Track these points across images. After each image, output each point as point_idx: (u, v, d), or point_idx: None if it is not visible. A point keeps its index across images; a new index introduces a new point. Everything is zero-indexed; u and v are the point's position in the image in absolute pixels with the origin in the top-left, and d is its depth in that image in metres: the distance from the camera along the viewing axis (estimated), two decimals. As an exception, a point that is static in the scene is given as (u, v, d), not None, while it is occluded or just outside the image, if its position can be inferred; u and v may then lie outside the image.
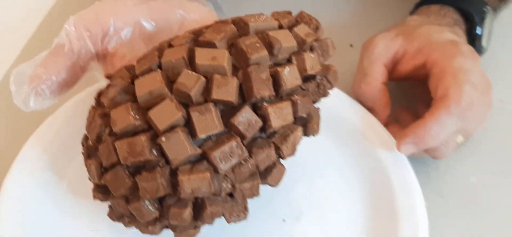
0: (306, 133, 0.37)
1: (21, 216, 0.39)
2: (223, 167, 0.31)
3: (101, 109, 0.34)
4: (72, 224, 0.41)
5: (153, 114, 0.31)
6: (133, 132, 0.31)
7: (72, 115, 0.44)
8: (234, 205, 0.34)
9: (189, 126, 0.31)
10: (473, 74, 0.43)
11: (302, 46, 0.36)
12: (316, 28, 0.38)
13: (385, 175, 0.43)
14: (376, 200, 0.43)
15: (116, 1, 0.41)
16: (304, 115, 0.35)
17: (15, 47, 0.58)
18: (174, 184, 0.32)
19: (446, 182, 0.47)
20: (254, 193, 0.34)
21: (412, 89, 0.50)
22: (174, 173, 0.31)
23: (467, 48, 0.45)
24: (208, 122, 0.31)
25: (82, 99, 0.45)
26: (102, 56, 0.41)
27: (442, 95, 0.42)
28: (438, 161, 0.47)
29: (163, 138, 0.30)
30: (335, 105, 0.45)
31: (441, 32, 0.47)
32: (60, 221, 0.41)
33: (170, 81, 0.32)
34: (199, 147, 0.32)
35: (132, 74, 0.35)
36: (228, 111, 0.32)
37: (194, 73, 0.32)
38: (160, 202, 0.33)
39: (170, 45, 0.35)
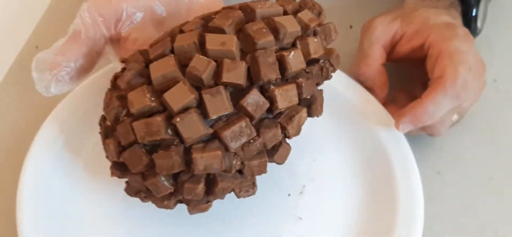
0: (310, 114, 0.39)
1: (40, 195, 0.41)
2: (233, 145, 0.34)
3: (117, 91, 0.36)
4: (89, 200, 0.43)
5: (168, 96, 0.33)
6: (149, 113, 0.34)
7: (86, 96, 0.46)
8: (243, 181, 0.37)
9: (201, 107, 0.33)
10: (468, 56, 0.45)
11: (306, 31, 0.38)
12: (319, 13, 0.40)
13: (383, 151, 0.45)
14: (374, 174, 0.45)
15: None
16: (308, 97, 0.37)
17: (27, 29, 0.59)
18: (188, 161, 0.34)
19: (442, 158, 0.49)
20: (262, 170, 0.37)
21: (408, 70, 0.52)
22: (187, 151, 0.34)
23: (463, 31, 0.47)
24: (219, 104, 0.33)
25: (95, 80, 0.47)
26: (115, 40, 0.42)
27: (438, 76, 0.44)
28: (433, 138, 0.49)
29: (178, 119, 0.32)
30: (336, 85, 0.47)
31: (438, 15, 0.49)
32: (77, 198, 0.43)
33: (182, 65, 0.34)
34: (211, 127, 0.34)
35: (145, 58, 0.37)
36: (237, 93, 0.34)
37: (205, 57, 0.34)
38: (175, 178, 0.35)
39: (181, 31, 0.37)
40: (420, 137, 0.49)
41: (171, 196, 0.36)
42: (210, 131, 0.34)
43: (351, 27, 0.60)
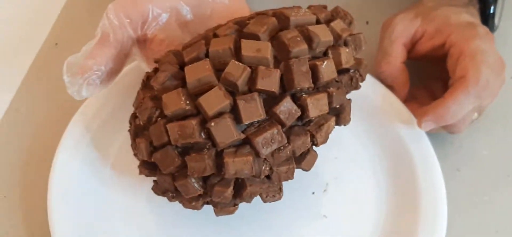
0: (338, 123, 0.39)
1: (70, 195, 0.42)
2: (264, 151, 0.34)
3: (150, 91, 0.37)
4: (115, 198, 0.44)
5: (203, 100, 0.33)
6: (183, 116, 0.34)
7: (110, 94, 0.47)
8: (271, 186, 0.37)
9: (234, 112, 0.34)
10: (489, 55, 0.45)
11: (337, 40, 0.38)
12: (350, 23, 0.41)
13: (404, 148, 0.46)
14: (396, 171, 0.46)
15: None
16: (338, 106, 0.38)
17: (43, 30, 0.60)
18: (218, 164, 0.34)
19: (461, 155, 0.50)
20: (289, 176, 0.37)
21: (427, 68, 0.53)
22: (219, 155, 0.34)
23: (483, 30, 0.47)
24: (252, 110, 0.34)
25: (118, 79, 0.47)
26: (141, 41, 0.43)
27: (460, 76, 0.44)
28: (453, 135, 0.50)
29: (212, 123, 0.33)
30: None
31: (458, 14, 0.49)
32: (104, 196, 0.44)
33: (217, 69, 0.35)
34: (243, 131, 0.34)
35: (179, 59, 0.37)
36: (269, 99, 0.35)
37: (240, 63, 0.34)
38: (204, 180, 0.36)
39: (215, 35, 0.37)
40: (439, 135, 0.49)
41: (199, 198, 0.37)
42: (242, 136, 0.34)
43: (367, 23, 0.60)
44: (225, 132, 0.33)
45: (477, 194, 0.48)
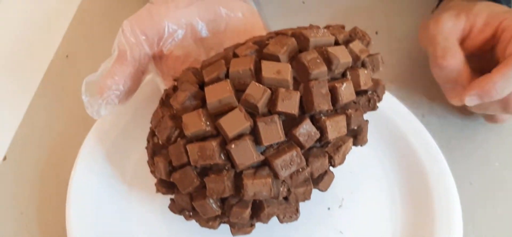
0: (355, 143, 0.39)
1: (86, 209, 0.42)
2: (283, 174, 0.34)
3: (168, 110, 0.37)
4: (132, 214, 0.44)
5: (223, 121, 0.33)
6: (203, 136, 0.34)
7: (125, 108, 0.46)
8: (288, 207, 0.37)
9: (254, 134, 0.34)
10: None
11: (356, 61, 0.38)
12: (368, 43, 0.41)
13: (419, 163, 0.47)
14: (411, 186, 0.47)
15: (167, 3, 0.42)
16: (355, 127, 0.38)
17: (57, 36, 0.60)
18: (237, 186, 0.34)
19: (474, 169, 0.50)
20: (307, 197, 0.37)
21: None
22: (238, 176, 0.34)
23: None
24: (272, 132, 0.34)
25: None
26: (157, 58, 0.43)
27: (510, 53, 0.44)
28: (465, 148, 0.51)
29: (233, 145, 0.33)
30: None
31: (498, 6, 0.49)
32: (121, 213, 0.44)
33: (237, 90, 0.35)
34: (262, 153, 0.34)
35: (198, 79, 0.37)
36: (289, 121, 0.35)
37: (260, 85, 0.34)
38: (222, 201, 0.36)
39: (235, 54, 0.37)
40: (452, 148, 0.50)
41: (217, 218, 0.37)
42: (262, 158, 0.34)
43: (376, 33, 0.61)
44: (245, 154, 0.33)
45: (490, 207, 0.48)
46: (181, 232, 0.43)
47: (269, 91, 0.34)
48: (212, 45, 0.44)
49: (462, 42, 0.49)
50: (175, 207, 0.39)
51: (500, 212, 0.48)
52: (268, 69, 0.35)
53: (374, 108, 0.39)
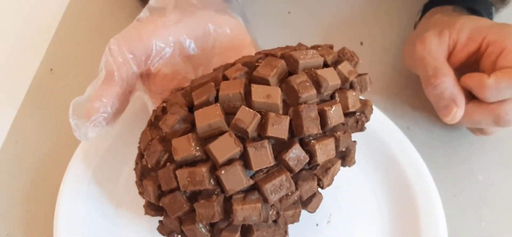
0: (343, 164, 0.40)
1: (74, 231, 0.42)
2: (273, 198, 0.34)
3: (157, 131, 0.37)
4: (119, 233, 0.44)
5: (213, 147, 0.33)
6: (192, 161, 0.34)
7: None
8: (276, 229, 0.37)
9: (244, 158, 0.34)
10: None
11: (344, 83, 0.38)
12: (356, 63, 0.41)
13: (405, 177, 0.48)
14: (398, 200, 0.47)
15: (155, 21, 0.42)
16: (344, 149, 0.38)
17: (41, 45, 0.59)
18: (227, 210, 0.34)
19: (458, 181, 0.51)
20: (295, 220, 0.38)
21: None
22: (227, 200, 0.34)
23: None
24: (262, 158, 0.34)
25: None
26: (145, 76, 0.42)
27: (507, 66, 0.45)
28: (449, 161, 0.52)
29: (223, 171, 0.33)
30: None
31: (480, 20, 0.50)
32: (109, 232, 0.44)
33: (226, 113, 0.35)
34: (251, 177, 0.34)
35: (187, 100, 0.37)
36: (278, 145, 0.35)
37: (250, 109, 0.34)
38: (212, 225, 0.36)
39: (224, 77, 0.37)
40: (436, 161, 0.51)
41: (206, 241, 0.37)
42: (251, 182, 0.34)
43: (361, 43, 0.61)
44: (235, 179, 0.33)
45: (474, 219, 0.49)
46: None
47: (259, 116, 0.34)
48: (200, 62, 0.44)
49: (448, 58, 0.50)
50: (163, 230, 0.38)
51: (484, 225, 0.49)
52: (258, 93, 0.35)
53: (362, 129, 0.40)
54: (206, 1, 0.45)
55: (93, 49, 0.57)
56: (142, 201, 0.39)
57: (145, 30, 0.41)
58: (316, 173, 0.37)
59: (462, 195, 0.50)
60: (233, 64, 0.38)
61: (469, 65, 0.49)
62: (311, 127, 0.35)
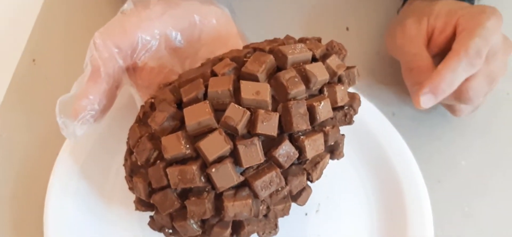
0: (332, 158, 0.40)
1: (63, 229, 0.42)
2: (263, 194, 0.35)
3: (146, 128, 0.37)
4: (110, 229, 0.44)
5: (203, 145, 0.33)
6: (182, 159, 0.34)
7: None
8: (267, 223, 0.38)
9: (234, 155, 0.34)
10: (488, 30, 0.46)
11: (333, 77, 0.39)
12: (344, 57, 0.41)
13: (391, 165, 0.49)
14: (383, 186, 0.49)
15: (139, 13, 0.41)
16: (332, 143, 0.39)
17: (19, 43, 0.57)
18: (218, 207, 0.35)
19: (442, 167, 0.52)
20: (285, 213, 0.38)
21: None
22: (218, 197, 0.35)
23: (490, 9, 0.48)
24: (252, 155, 0.34)
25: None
26: (131, 70, 0.42)
27: (454, 48, 0.46)
28: (433, 148, 0.53)
29: (213, 169, 0.33)
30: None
31: (456, 4, 0.51)
32: (99, 228, 0.44)
33: (216, 110, 0.35)
34: (242, 174, 0.35)
35: (176, 97, 0.37)
36: (268, 141, 0.35)
37: (239, 107, 0.34)
38: (203, 221, 0.36)
39: (213, 72, 0.37)
40: (421, 147, 0.52)
41: (197, 236, 0.37)
42: (241, 179, 0.34)
43: (347, 29, 0.61)
44: (225, 177, 0.33)
45: (458, 204, 0.51)
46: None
47: (248, 113, 0.34)
48: (187, 54, 0.44)
49: (427, 44, 0.51)
50: (154, 225, 0.39)
51: (467, 210, 0.50)
52: (247, 90, 0.35)
53: (350, 122, 0.40)
54: None
55: (76, 38, 0.56)
56: (132, 196, 0.39)
57: (129, 23, 0.40)
58: (306, 168, 0.37)
59: (446, 180, 0.52)
60: (221, 59, 0.38)
61: (449, 49, 0.50)
62: (301, 123, 0.35)
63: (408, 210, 0.46)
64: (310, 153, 0.36)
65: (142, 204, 0.37)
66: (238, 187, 0.35)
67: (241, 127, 0.34)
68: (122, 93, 0.46)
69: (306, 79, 0.36)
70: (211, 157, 0.33)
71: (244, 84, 0.35)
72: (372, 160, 0.49)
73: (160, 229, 0.38)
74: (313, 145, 0.36)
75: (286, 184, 0.36)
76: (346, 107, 0.40)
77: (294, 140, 0.36)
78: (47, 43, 0.57)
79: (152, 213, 0.39)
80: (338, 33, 0.60)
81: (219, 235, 0.36)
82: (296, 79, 0.36)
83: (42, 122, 0.50)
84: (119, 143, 0.43)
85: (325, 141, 0.37)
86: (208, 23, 0.44)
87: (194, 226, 0.35)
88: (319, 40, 0.41)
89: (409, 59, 0.50)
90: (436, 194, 0.49)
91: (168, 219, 0.36)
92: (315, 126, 0.37)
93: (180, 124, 0.35)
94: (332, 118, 0.38)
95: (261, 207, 0.36)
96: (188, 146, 0.34)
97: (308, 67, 0.36)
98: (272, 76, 0.36)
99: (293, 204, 0.42)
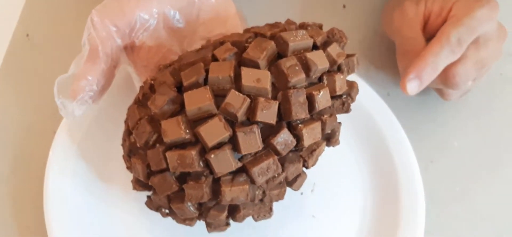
0: (328, 145, 0.41)
1: (63, 210, 0.42)
2: (260, 180, 0.35)
3: (145, 110, 0.37)
4: (108, 210, 0.45)
5: (203, 131, 0.33)
6: (182, 144, 0.34)
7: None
8: (262, 207, 0.39)
9: (232, 142, 0.34)
10: (477, 20, 0.46)
11: (332, 65, 0.39)
12: (344, 44, 0.41)
13: (385, 145, 0.50)
14: (377, 166, 0.50)
15: None
16: (329, 131, 0.39)
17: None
18: (215, 191, 0.35)
19: (434, 148, 0.53)
20: (280, 197, 0.39)
21: None
22: (216, 181, 0.35)
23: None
24: (251, 142, 0.34)
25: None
26: (129, 49, 0.41)
27: (438, 34, 0.47)
28: (426, 128, 0.54)
29: (212, 155, 0.33)
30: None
31: None
32: (98, 208, 0.44)
33: (216, 95, 0.35)
34: (239, 160, 0.35)
35: (176, 80, 0.37)
36: (266, 129, 0.35)
37: (240, 94, 0.34)
38: (200, 204, 0.37)
39: (214, 56, 0.37)
40: (415, 127, 0.52)
41: (194, 218, 0.38)
42: (239, 165, 0.35)
43: (344, 6, 0.61)
44: (224, 163, 0.34)
45: (450, 185, 0.52)
46: (158, 225, 0.44)
47: (248, 100, 0.34)
48: (185, 34, 0.43)
49: (424, 28, 0.51)
50: (151, 204, 0.39)
51: (458, 190, 0.51)
52: (248, 77, 0.35)
53: (347, 111, 0.41)
54: None
55: (70, 11, 0.54)
56: (130, 176, 0.39)
57: (127, 1, 0.40)
58: (302, 155, 0.38)
59: (439, 160, 0.52)
60: (222, 43, 0.38)
61: None
62: (299, 112, 0.35)
63: (401, 189, 0.47)
64: (307, 141, 0.36)
65: (140, 184, 0.38)
66: (235, 173, 0.35)
67: (240, 114, 0.34)
68: (119, 71, 0.46)
69: (306, 67, 0.36)
70: (210, 143, 0.33)
71: (245, 71, 0.35)
72: (366, 140, 0.50)
73: (157, 209, 0.39)
74: (311, 134, 0.36)
75: (283, 170, 0.36)
76: (344, 96, 0.40)
77: (292, 128, 0.36)
78: (41, 17, 0.55)
79: (149, 193, 0.39)
80: (335, 11, 0.59)
81: (216, 217, 0.36)
82: (297, 68, 0.36)
83: (37, 100, 0.50)
84: (116, 122, 0.43)
85: (322, 130, 0.38)
86: (207, 2, 0.43)
87: (191, 208, 0.36)
88: (321, 26, 0.41)
89: (405, 42, 0.50)
90: (429, 173, 0.51)
91: (165, 200, 0.37)
92: (314, 114, 0.37)
93: (180, 108, 0.35)
94: (330, 107, 0.39)
95: (257, 192, 0.37)
96: (187, 131, 0.34)
97: (309, 55, 0.37)
98: (273, 63, 0.36)
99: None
